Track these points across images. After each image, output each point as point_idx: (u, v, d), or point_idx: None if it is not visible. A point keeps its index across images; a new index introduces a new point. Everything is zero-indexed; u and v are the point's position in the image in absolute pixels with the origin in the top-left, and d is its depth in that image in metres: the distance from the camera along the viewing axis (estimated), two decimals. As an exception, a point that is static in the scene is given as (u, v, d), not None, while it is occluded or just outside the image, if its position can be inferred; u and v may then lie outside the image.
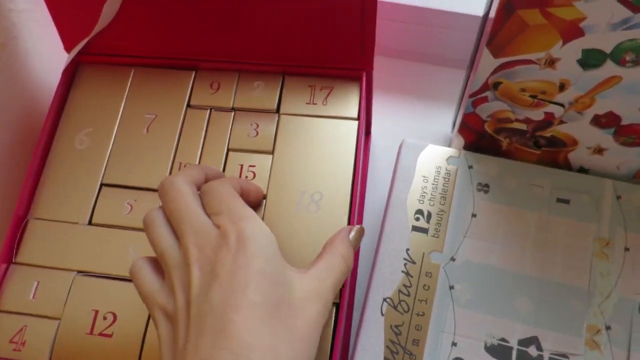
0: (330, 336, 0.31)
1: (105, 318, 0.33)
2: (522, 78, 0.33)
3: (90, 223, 0.35)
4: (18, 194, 0.36)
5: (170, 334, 0.25)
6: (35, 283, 0.34)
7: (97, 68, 0.39)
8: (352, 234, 0.30)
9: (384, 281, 0.35)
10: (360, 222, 0.44)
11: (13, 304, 0.33)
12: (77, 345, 0.32)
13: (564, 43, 0.30)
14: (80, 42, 0.38)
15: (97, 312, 0.33)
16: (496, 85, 0.34)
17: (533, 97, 0.34)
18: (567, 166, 0.38)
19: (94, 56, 0.39)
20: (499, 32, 0.30)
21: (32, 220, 0.36)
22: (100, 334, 0.32)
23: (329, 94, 0.37)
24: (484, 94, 0.35)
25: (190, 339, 0.24)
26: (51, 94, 0.38)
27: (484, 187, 0.37)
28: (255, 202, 0.33)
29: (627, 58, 0.29)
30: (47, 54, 0.43)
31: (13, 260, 0.35)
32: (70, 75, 0.39)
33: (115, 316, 0.32)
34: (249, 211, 0.27)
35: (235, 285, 0.24)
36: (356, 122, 0.36)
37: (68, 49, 0.39)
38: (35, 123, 0.43)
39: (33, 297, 0.33)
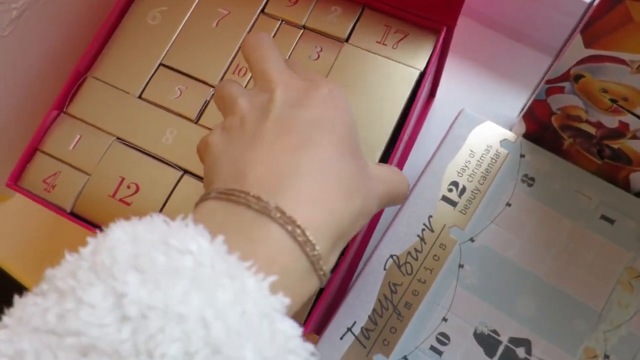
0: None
1: (129, 187, 0.34)
2: (608, 77, 0.30)
3: (140, 97, 0.36)
4: (85, 49, 0.37)
5: (239, 126, 0.25)
6: (78, 136, 0.36)
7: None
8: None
9: (397, 239, 0.35)
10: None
11: (54, 149, 0.36)
12: (98, 203, 0.34)
13: (666, 51, 0.27)
14: None
15: (123, 179, 0.34)
16: (577, 78, 0.31)
17: (613, 101, 0.31)
18: (625, 186, 0.36)
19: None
20: (598, 20, 0.28)
21: (90, 78, 0.37)
22: (121, 200, 0.34)
23: (402, 38, 0.35)
24: (562, 84, 0.32)
25: (265, 135, 0.23)
26: (138, -36, 0.38)
27: (529, 180, 0.36)
28: None
29: None
30: None
31: (64, 110, 0.37)
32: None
33: (138, 187, 0.34)
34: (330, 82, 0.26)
35: (326, 115, 0.24)
36: (417, 73, 0.34)
37: None
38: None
39: (72, 148, 0.35)
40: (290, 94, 0.25)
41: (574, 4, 0.41)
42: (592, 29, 0.28)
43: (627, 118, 0.31)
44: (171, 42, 0.37)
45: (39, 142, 0.36)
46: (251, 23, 0.37)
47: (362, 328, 0.33)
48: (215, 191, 0.22)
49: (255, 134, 0.24)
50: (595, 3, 0.28)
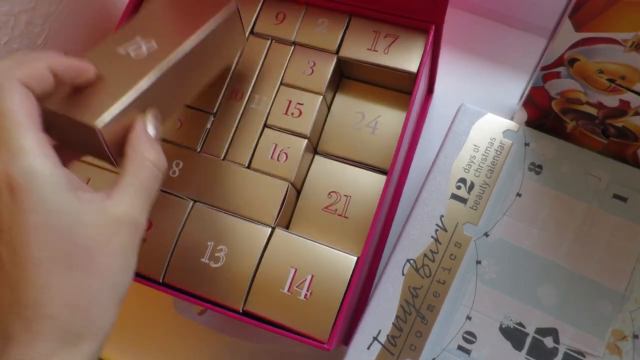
0: (345, 287, 0.31)
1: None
2: (603, 58, 0.30)
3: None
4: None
5: None
6: (86, 180, 0.36)
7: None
8: (150, 127, 0.26)
9: (412, 243, 0.35)
10: (403, 179, 0.43)
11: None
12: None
13: (658, 26, 0.27)
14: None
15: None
16: (572, 62, 0.31)
17: (611, 81, 0.31)
18: (634, 162, 0.36)
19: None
20: (585, 4, 0.27)
21: (91, 120, 0.37)
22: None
23: (392, 42, 0.35)
24: (557, 69, 0.32)
25: None
26: None
27: (537, 168, 0.35)
28: (74, 81, 0.26)
29: None
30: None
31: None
32: (145, -14, 0.40)
33: (151, 223, 0.34)
34: (27, 141, 0.22)
35: (18, 241, 0.21)
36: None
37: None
38: (110, 22, 0.44)
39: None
40: None
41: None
42: (580, 12, 0.28)
43: (627, 96, 0.31)
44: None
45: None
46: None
47: (387, 336, 0.33)
48: None
49: None
50: (581, -14, 0.27)
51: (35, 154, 0.22)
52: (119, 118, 0.25)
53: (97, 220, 0.23)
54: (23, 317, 0.21)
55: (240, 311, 0.32)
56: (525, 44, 0.45)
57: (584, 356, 0.32)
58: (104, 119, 0.25)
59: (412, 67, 0.35)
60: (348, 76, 0.38)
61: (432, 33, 0.35)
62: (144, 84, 0.27)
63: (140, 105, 0.27)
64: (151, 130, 0.26)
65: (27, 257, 0.21)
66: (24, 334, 0.21)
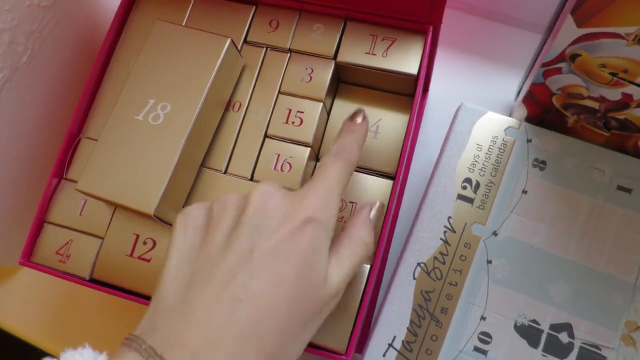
0: (360, 296, 0.31)
1: (145, 243, 0.34)
2: (605, 53, 0.30)
3: (138, 149, 0.36)
4: (72, 111, 0.36)
5: (197, 238, 0.25)
6: (83, 201, 0.35)
7: (158, -8, 0.39)
8: (373, 212, 0.29)
9: (421, 246, 0.34)
10: (404, 182, 0.43)
11: (61, 218, 0.35)
12: (117, 265, 0.34)
13: (661, 19, 0.27)
14: (143, -37, 0.37)
15: (137, 236, 0.34)
16: (573, 57, 0.31)
17: (613, 74, 0.31)
18: (636, 154, 0.36)
19: (156, -20, 0.38)
20: (587, 0, 0.27)
21: (84, 139, 0.36)
22: (140, 258, 0.33)
23: (390, 45, 0.35)
24: (558, 65, 0.32)
25: (219, 273, 0.24)
26: (111, 15, 0.38)
27: (540, 164, 0.35)
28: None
29: None
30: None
31: (64, 176, 0.36)
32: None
33: (154, 242, 0.33)
34: (335, 199, 0.27)
35: (277, 252, 0.24)
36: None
37: (131, -31, 0.38)
38: (96, 39, 0.43)
39: (80, 214, 0.35)
40: (260, 214, 0.25)
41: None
42: (582, 8, 0.28)
43: (630, 89, 0.31)
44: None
45: (45, 213, 0.35)
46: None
47: (402, 341, 0.33)
48: (145, 342, 0.22)
49: (213, 261, 0.24)
50: (582, -18, 0.27)
51: (335, 212, 0.27)
52: (165, 195, 0.30)
53: (329, 285, 0.25)
54: (238, 316, 0.22)
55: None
56: (517, 40, 0.45)
57: (600, 349, 0.32)
58: (157, 204, 0.30)
59: (412, 69, 0.34)
60: (345, 81, 0.38)
61: (430, 34, 0.34)
62: (176, 157, 0.31)
63: (177, 171, 0.31)
64: (373, 214, 0.29)
65: (277, 268, 0.24)
66: None
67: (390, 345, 0.33)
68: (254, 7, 0.37)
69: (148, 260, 0.33)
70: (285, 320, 0.23)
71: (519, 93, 0.40)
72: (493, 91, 0.44)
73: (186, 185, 0.33)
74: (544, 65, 0.33)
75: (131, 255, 0.34)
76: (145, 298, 0.32)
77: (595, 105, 0.34)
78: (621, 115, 0.34)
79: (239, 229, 0.24)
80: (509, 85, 0.44)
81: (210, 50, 0.33)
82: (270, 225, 0.25)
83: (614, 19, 0.28)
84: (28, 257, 0.35)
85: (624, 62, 0.30)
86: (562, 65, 0.32)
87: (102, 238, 0.34)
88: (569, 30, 0.29)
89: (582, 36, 0.30)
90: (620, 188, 0.34)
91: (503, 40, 0.46)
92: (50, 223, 0.35)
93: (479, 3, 0.45)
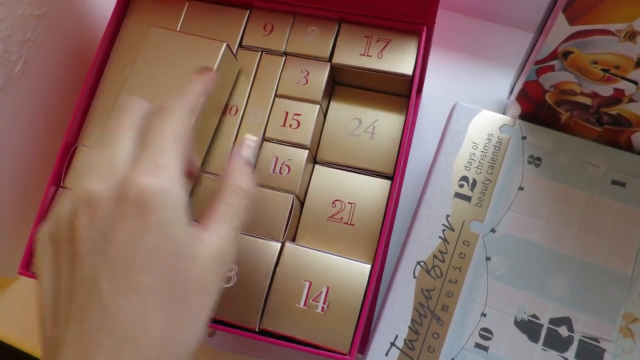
0: (362, 296, 0.31)
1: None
2: (597, 50, 0.30)
3: (135, 156, 0.35)
4: (68, 119, 0.36)
5: (54, 284, 0.22)
6: (81, 208, 0.35)
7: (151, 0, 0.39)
8: (246, 152, 0.26)
9: (420, 245, 0.35)
10: (401, 181, 0.43)
11: (59, 225, 0.35)
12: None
13: (651, 16, 0.27)
14: (136, -31, 0.37)
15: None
16: (566, 55, 0.32)
17: (605, 71, 0.31)
18: (629, 148, 0.36)
19: (149, -15, 0.38)
20: (579, -2, 0.28)
21: (80, 146, 0.36)
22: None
23: (385, 46, 0.35)
24: (550, 63, 0.33)
25: (74, 309, 0.21)
26: (106, 20, 0.37)
27: (536, 161, 0.36)
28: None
29: None
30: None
31: (61, 184, 0.36)
32: (125, 5, 0.39)
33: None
34: (170, 160, 0.22)
35: (125, 262, 0.20)
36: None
37: (124, -24, 0.38)
38: (89, 47, 0.43)
39: (78, 222, 0.35)
40: (98, 224, 0.21)
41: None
42: (574, 6, 0.28)
43: (622, 84, 0.32)
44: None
45: (42, 222, 0.35)
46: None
47: (404, 340, 0.33)
48: None
49: (69, 301, 0.21)
50: (572, -19, 0.28)
51: (175, 174, 0.22)
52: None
53: (203, 250, 0.22)
54: (108, 349, 0.20)
55: (257, 330, 0.32)
56: (507, 38, 0.46)
57: (599, 342, 0.32)
58: None
59: (407, 69, 0.35)
60: (341, 83, 0.38)
61: (424, 34, 0.35)
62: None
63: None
64: (246, 154, 0.26)
65: (132, 282, 0.20)
66: None
67: (392, 344, 0.33)
68: (248, 12, 0.37)
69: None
70: (165, 329, 0.21)
71: (511, 91, 0.40)
72: (486, 90, 0.45)
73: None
74: (537, 63, 0.33)
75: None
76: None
77: (588, 101, 0.34)
78: (613, 111, 0.34)
79: (77, 259, 0.21)
80: (501, 83, 0.44)
81: (206, 55, 0.33)
82: (105, 235, 0.21)
83: (605, 16, 0.28)
84: (27, 267, 0.34)
85: (616, 58, 0.30)
86: (554, 62, 0.33)
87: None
88: (561, 28, 0.30)
89: (574, 34, 0.30)
90: (614, 182, 0.35)
91: (494, 39, 0.46)
92: (49, 232, 0.35)
93: (470, 2, 0.46)
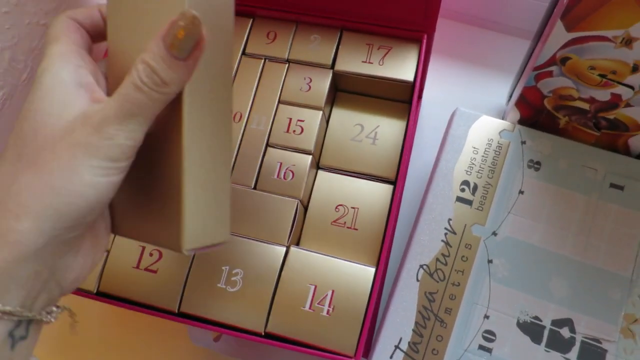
0: (366, 299, 0.31)
1: (151, 254, 0.34)
2: (594, 55, 0.31)
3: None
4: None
5: None
6: (87, 214, 0.35)
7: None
8: (168, 36, 0.21)
9: (423, 248, 0.35)
10: (403, 186, 0.44)
11: (65, 232, 0.35)
12: (124, 277, 0.34)
13: (646, 22, 0.28)
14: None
15: (143, 248, 0.34)
16: (564, 61, 0.32)
17: (602, 76, 0.32)
18: (626, 151, 0.37)
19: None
20: (577, 5, 0.29)
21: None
22: (147, 269, 0.34)
23: (386, 53, 0.36)
24: (549, 69, 0.33)
25: None
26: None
27: (535, 165, 0.36)
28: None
29: None
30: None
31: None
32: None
33: (160, 254, 0.34)
34: (54, 49, 0.23)
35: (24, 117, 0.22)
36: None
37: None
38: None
39: (84, 228, 0.35)
40: None
41: (537, -15, 0.42)
42: (572, 13, 0.29)
43: (619, 89, 0.32)
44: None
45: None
46: (235, 66, 0.37)
47: (409, 343, 0.34)
48: None
49: None
50: (570, -11, 0.29)
51: (54, 57, 0.22)
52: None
53: (76, 113, 0.21)
54: None
55: (263, 334, 0.32)
56: (505, 46, 0.47)
57: (601, 342, 0.33)
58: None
59: (409, 76, 0.35)
60: (343, 89, 0.38)
61: (424, 42, 0.35)
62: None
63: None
64: (170, 32, 0.21)
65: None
66: None
67: (396, 347, 0.34)
68: (252, 20, 0.38)
69: (154, 272, 0.34)
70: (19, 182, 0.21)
71: (510, 96, 0.41)
72: (484, 95, 0.45)
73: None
74: (535, 69, 0.34)
75: (137, 267, 0.34)
76: (153, 309, 0.32)
77: (585, 106, 0.35)
78: (611, 115, 0.35)
79: None
80: (499, 89, 0.45)
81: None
82: None
83: (602, 23, 0.29)
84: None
85: (613, 64, 0.31)
86: (553, 68, 0.33)
87: (108, 251, 0.34)
88: (559, 34, 0.31)
89: (572, 40, 0.31)
90: (613, 185, 0.36)
91: (492, 46, 0.47)
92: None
93: (468, 11, 0.47)
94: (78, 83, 0.22)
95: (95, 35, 0.25)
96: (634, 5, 0.27)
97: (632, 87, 0.32)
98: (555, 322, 0.33)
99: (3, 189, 0.21)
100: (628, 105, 0.33)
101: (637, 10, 0.28)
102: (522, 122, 0.39)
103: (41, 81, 0.22)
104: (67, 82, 0.22)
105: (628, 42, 0.29)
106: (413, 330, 0.34)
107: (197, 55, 0.21)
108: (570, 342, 0.33)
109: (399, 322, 0.34)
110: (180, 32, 0.21)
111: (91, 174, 0.21)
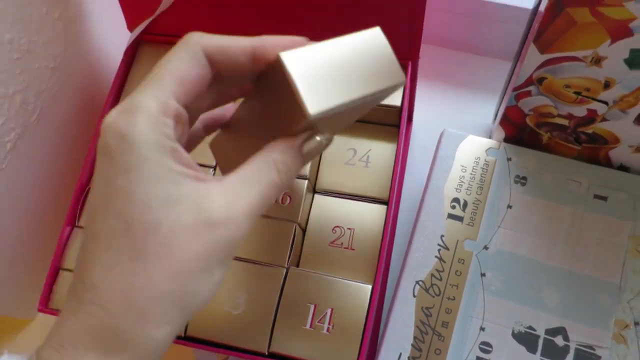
0: (364, 316, 0.33)
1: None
2: (567, 75, 0.33)
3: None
4: (81, 162, 0.39)
5: None
6: (96, 245, 0.37)
7: (156, 47, 0.42)
8: (307, 147, 0.22)
9: (418, 265, 0.37)
10: (397, 206, 0.45)
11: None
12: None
13: (612, 42, 0.30)
14: (143, 22, 0.40)
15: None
16: (540, 81, 0.34)
17: (577, 93, 0.34)
18: (607, 163, 0.39)
19: (155, 36, 0.41)
20: (547, 29, 0.31)
21: (93, 187, 0.39)
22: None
23: (374, 81, 0.38)
24: (527, 88, 0.35)
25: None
26: (114, 68, 0.40)
27: (522, 180, 0.38)
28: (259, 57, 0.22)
29: (676, 60, 0.30)
30: (112, 33, 0.45)
31: (76, 224, 0.38)
32: (132, 53, 0.42)
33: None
34: (150, 101, 0.20)
35: (91, 204, 0.19)
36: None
37: (131, 28, 0.41)
38: (99, 94, 0.46)
39: (93, 258, 0.37)
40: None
41: (514, 11, 0.44)
42: (543, 37, 0.31)
43: (594, 105, 0.34)
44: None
45: (60, 260, 0.37)
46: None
47: (408, 357, 0.35)
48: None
49: None
50: (540, 12, 0.31)
51: (148, 113, 0.19)
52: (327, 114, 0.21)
53: (197, 203, 0.19)
54: (74, 295, 0.19)
55: (266, 354, 0.33)
56: (489, 68, 0.49)
57: (594, 349, 0.34)
58: (318, 109, 0.21)
59: (396, 101, 0.37)
60: (335, 116, 0.40)
61: (409, 68, 0.38)
62: None
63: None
64: (305, 145, 0.22)
65: (94, 227, 0.19)
66: (69, 317, 0.19)
67: (396, 361, 0.35)
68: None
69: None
70: (122, 282, 0.19)
71: (496, 116, 0.43)
72: (472, 116, 0.47)
73: None
74: (515, 89, 0.36)
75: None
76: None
77: (565, 122, 0.37)
78: (589, 130, 0.37)
79: None
80: (486, 109, 0.47)
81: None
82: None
83: (570, 45, 0.31)
84: (46, 304, 0.36)
85: (586, 82, 0.33)
86: (531, 88, 0.35)
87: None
88: (533, 56, 0.33)
89: (546, 61, 0.33)
90: (596, 197, 0.37)
91: (476, 68, 0.49)
92: (66, 270, 0.37)
93: (451, 37, 0.49)
94: (177, 159, 0.20)
95: (223, 70, 0.22)
96: (599, 27, 0.29)
97: (606, 103, 0.34)
98: (549, 331, 0.35)
99: (131, 292, 0.18)
100: (604, 119, 0.35)
101: (602, 32, 0.30)
102: (507, 140, 0.41)
103: (136, 160, 0.19)
104: (168, 164, 0.19)
105: (597, 61, 0.31)
106: (412, 345, 0.35)
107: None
108: (565, 350, 0.34)
109: (398, 338, 0.35)
110: (319, 148, 0.22)
111: (221, 272, 0.20)
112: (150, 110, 0.19)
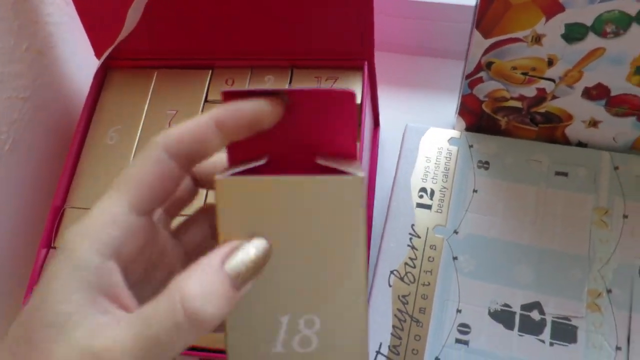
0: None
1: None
2: (512, 56, 0.35)
3: (119, 209, 0.38)
4: (55, 187, 0.39)
5: None
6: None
7: (124, 71, 0.43)
8: (231, 262, 0.18)
9: (391, 255, 0.37)
10: (371, 203, 0.46)
11: (53, 283, 0.37)
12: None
13: (547, 19, 0.32)
14: (108, 48, 0.42)
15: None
16: (489, 65, 0.36)
17: (524, 74, 0.36)
18: (565, 141, 0.40)
19: (122, 61, 0.43)
20: (486, 14, 0.32)
21: (68, 209, 0.39)
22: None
23: (333, 83, 0.40)
24: (478, 75, 0.37)
25: None
26: (84, 95, 0.42)
27: (484, 165, 0.39)
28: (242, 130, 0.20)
29: (608, 29, 0.31)
30: (80, 61, 0.47)
31: (52, 245, 0.38)
32: (101, 79, 0.43)
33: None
34: (94, 211, 0.19)
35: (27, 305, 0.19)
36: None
37: (99, 55, 0.43)
38: (70, 121, 0.47)
39: (70, 276, 0.37)
40: None
41: (463, 11, 0.46)
42: (484, 22, 0.33)
43: (542, 83, 0.36)
44: (133, 152, 0.40)
45: (36, 282, 0.37)
46: (199, 113, 0.40)
47: (389, 346, 0.35)
48: None
49: None
50: (478, 1, 0.33)
51: (77, 264, 0.18)
52: None
53: (87, 339, 0.17)
54: None
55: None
56: (450, 68, 0.51)
57: (570, 320, 0.34)
58: None
59: (357, 99, 0.39)
60: (301, 121, 0.42)
61: (366, 68, 0.39)
62: None
63: None
64: (229, 266, 0.18)
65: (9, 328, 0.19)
66: None
67: (378, 352, 0.35)
68: (211, 71, 0.42)
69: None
70: None
71: (456, 110, 0.45)
72: (436, 114, 0.49)
73: None
74: (467, 77, 0.37)
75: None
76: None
77: (518, 104, 0.38)
78: (542, 109, 0.38)
79: None
80: (448, 107, 0.48)
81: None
82: None
83: (510, 26, 0.33)
84: (24, 325, 0.36)
85: (530, 61, 0.35)
86: (482, 74, 0.37)
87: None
88: (478, 42, 0.34)
89: (491, 45, 0.34)
90: (558, 173, 0.38)
91: (436, 70, 0.51)
92: (43, 289, 0.37)
93: (408, 42, 0.51)
94: (101, 290, 0.18)
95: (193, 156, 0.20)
96: (532, 6, 0.31)
97: (552, 80, 0.35)
98: (524, 307, 0.35)
99: None
100: (554, 97, 0.37)
101: (536, 10, 0.31)
102: (468, 128, 0.42)
103: (54, 276, 0.18)
104: (83, 288, 0.18)
105: (537, 39, 0.33)
106: (391, 334, 0.35)
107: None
108: (542, 323, 0.34)
109: (377, 328, 0.35)
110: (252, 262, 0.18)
111: None
112: (81, 260, 0.18)
